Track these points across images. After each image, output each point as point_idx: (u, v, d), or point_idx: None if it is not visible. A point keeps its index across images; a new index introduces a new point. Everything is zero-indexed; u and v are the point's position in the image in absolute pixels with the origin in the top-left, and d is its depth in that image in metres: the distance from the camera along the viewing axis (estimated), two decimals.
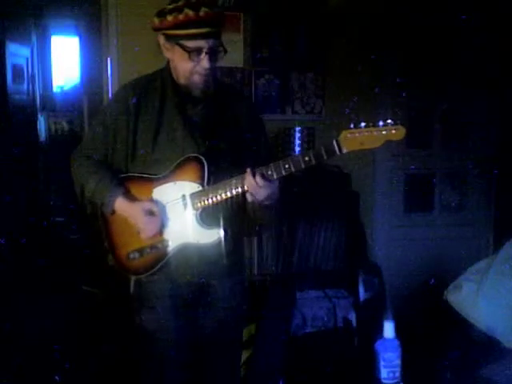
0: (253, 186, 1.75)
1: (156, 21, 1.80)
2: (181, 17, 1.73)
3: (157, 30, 1.82)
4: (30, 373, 2.82)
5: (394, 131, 1.69)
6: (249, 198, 1.80)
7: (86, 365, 2.94)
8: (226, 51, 1.83)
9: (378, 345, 1.61)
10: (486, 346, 2.10)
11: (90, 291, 3.99)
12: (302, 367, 2.55)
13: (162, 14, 1.78)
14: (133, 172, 1.91)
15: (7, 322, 3.02)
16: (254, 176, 1.74)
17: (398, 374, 1.60)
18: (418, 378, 1.71)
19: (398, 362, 1.60)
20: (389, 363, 1.59)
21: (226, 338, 2.02)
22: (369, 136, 1.69)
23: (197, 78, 1.82)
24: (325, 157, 1.74)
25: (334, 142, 1.71)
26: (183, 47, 1.77)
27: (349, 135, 1.69)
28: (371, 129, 1.69)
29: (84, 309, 3.63)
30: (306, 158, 1.74)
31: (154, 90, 1.90)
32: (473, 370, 1.94)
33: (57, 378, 2.71)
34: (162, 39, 1.83)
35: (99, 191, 1.90)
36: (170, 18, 1.75)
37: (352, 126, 1.70)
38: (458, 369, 1.91)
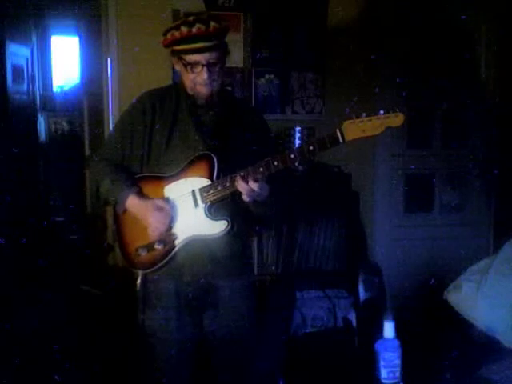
0: (246, 189, 1.83)
1: (162, 38, 1.94)
2: (177, 34, 1.89)
3: (163, 46, 1.96)
4: (29, 373, 2.82)
5: (393, 118, 1.76)
6: (245, 198, 1.88)
7: (85, 365, 2.94)
8: (224, 63, 1.95)
9: (378, 345, 1.61)
10: (485, 346, 2.10)
11: (89, 291, 4.00)
12: (302, 367, 2.55)
13: (165, 31, 1.93)
14: (147, 172, 2.01)
15: (7, 321, 3.02)
16: (246, 182, 1.83)
17: (398, 374, 1.60)
18: (418, 378, 1.71)
19: (397, 362, 1.60)
20: (389, 363, 1.59)
21: (232, 337, 2.04)
22: (370, 124, 1.76)
23: (199, 88, 1.94)
24: (328, 145, 1.80)
25: (337, 131, 1.78)
26: (182, 61, 1.91)
27: (351, 124, 1.77)
28: (372, 117, 1.76)
29: (83, 308, 3.63)
30: (311, 148, 1.81)
31: (170, 98, 2.02)
32: (473, 370, 1.94)
33: (57, 377, 2.71)
34: (169, 54, 1.96)
35: (113, 190, 1.98)
36: (169, 35, 1.91)
37: (354, 116, 1.78)
38: (458, 369, 1.91)
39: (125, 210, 1.98)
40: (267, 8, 3.59)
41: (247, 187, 1.84)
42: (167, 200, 1.95)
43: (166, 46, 1.94)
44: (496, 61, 3.90)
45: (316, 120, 3.66)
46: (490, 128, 3.94)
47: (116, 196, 1.97)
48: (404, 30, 3.71)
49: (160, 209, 1.92)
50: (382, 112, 1.76)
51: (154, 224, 1.92)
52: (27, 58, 5.36)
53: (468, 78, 3.92)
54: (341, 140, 1.78)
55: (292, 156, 1.83)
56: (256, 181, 1.83)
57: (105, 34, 3.53)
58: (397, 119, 1.76)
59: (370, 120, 1.76)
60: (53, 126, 6.26)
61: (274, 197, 1.93)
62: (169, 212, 1.92)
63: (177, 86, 2.05)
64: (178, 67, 1.96)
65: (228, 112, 2.02)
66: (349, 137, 1.78)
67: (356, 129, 1.77)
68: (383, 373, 1.60)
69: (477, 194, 4.04)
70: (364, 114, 1.77)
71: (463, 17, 3.73)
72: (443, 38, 3.76)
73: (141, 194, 1.96)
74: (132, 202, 1.95)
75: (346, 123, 1.77)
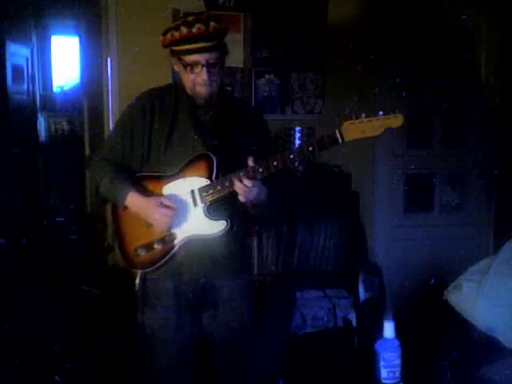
0: (243, 189, 1.84)
1: (161, 38, 1.93)
2: (176, 34, 1.88)
3: (163, 46, 1.95)
4: (29, 373, 2.82)
5: (393, 119, 1.77)
6: (241, 198, 1.88)
7: (85, 365, 2.94)
8: (224, 63, 1.95)
9: (378, 345, 1.61)
10: (485, 346, 2.11)
11: (90, 291, 3.99)
12: (302, 367, 2.56)
13: (164, 32, 1.92)
14: (147, 172, 2.00)
15: (7, 321, 3.02)
16: (241, 181, 1.83)
17: (397, 374, 1.60)
18: (418, 378, 1.71)
19: (397, 362, 1.60)
20: (389, 363, 1.59)
21: (232, 337, 2.04)
22: (369, 124, 1.77)
23: (199, 89, 1.93)
24: (328, 146, 1.81)
25: (337, 131, 1.78)
26: (182, 61, 1.90)
27: (350, 125, 1.78)
28: (371, 118, 1.77)
29: (83, 308, 3.63)
30: (310, 148, 1.82)
31: (169, 98, 2.02)
32: (473, 370, 1.94)
33: (57, 377, 2.71)
34: (169, 54, 1.96)
35: (113, 189, 1.97)
36: (168, 35, 1.90)
37: (353, 117, 1.78)
38: (458, 369, 1.91)
39: (124, 210, 1.97)
40: (267, 8, 3.59)
41: (242, 187, 1.83)
42: (170, 197, 1.94)
43: (166, 46, 1.93)
44: (496, 61, 3.90)
45: (316, 120, 3.66)
46: (490, 128, 3.94)
47: (116, 195, 1.97)
48: (404, 30, 3.71)
49: (166, 205, 1.90)
50: (381, 113, 1.77)
51: (160, 219, 1.90)
52: (27, 58, 5.36)
53: (468, 78, 3.92)
54: (340, 141, 1.79)
55: (291, 156, 1.83)
56: (252, 180, 1.83)
57: (105, 34, 3.53)
58: (396, 120, 1.77)
59: (370, 121, 1.77)
60: (53, 126, 6.26)
61: (272, 199, 1.93)
62: (175, 208, 1.90)
63: (176, 86, 2.04)
64: (177, 67, 1.95)
65: (227, 112, 2.01)
66: (348, 137, 1.78)
67: (355, 129, 1.77)
68: (383, 373, 1.60)
69: (477, 194, 4.04)
70: (364, 115, 1.77)
71: (463, 17, 3.73)
72: (443, 38, 3.76)
73: (141, 192, 1.95)
74: (132, 199, 1.94)
75: (346, 124, 1.78)
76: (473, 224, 4.05)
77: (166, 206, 1.90)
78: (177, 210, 1.91)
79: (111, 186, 1.97)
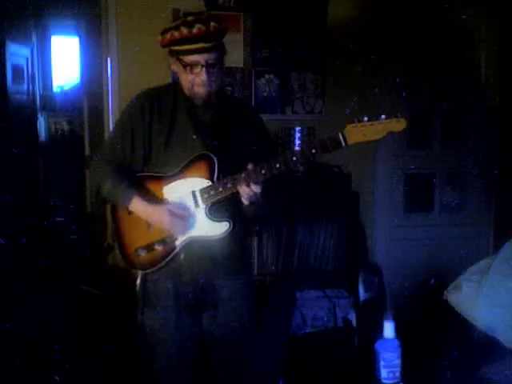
0: (247, 192, 1.84)
1: (159, 38, 1.93)
2: (176, 34, 1.87)
3: (161, 46, 1.94)
4: (29, 373, 2.82)
5: (395, 123, 1.77)
6: (245, 201, 1.88)
7: (85, 365, 2.94)
8: (223, 64, 1.94)
9: (378, 345, 1.61)
10: (485, 346, 2.11)
11: (90, 291, 3.99)
12: (302, 367, 2.56)
13: (163, 31, 1.91)
14: (147, 172, 2.00)
15: (7, 321, 3.02)
16: (248, 186, 1.83)
17: (397, 374, 1.60)
18: (418, 378, 1.71)
19: (397, 362, 1.60)
20: (389, 363, 1.59)
21: (232, 337, 2.04)
22: (371, 128, 1.77)
23: (197, 89, 1.93)
24: (330, 149, 1.81)
25: (340, 135, 1.78)
26: (181, 62, 1.89)
27: (353, 128, 1.78)
28: (373, 122, 1.77)
29: (83, 308, 3.63)
30: (313, 151, 1.81)
31: (168, 98, 2.01)
32: (473, 370, 1.94)
33: (57, 377, 2.71)
34: (167, 54, 1.95)
35: (115, 192, 1.96)
36: (168, 35, 1.89)
37: (356, 120, 1.78)
38: (458, 369, 1.91)
39: (124, 211, 1.97)
40: (267, 8, 3.59)
41: (248, 191, 1.83)
42: (178, 204, 1.93)
43: (165, 45, 1.92)
44: (496, 61, 3.90)
45: (316, 120, 3.66)
46: (490, 128, 3.94)
47: (119, 200, 1.96)
48: (404, 30, 3.72)
49: (173, 212, 1.90)
50: (383, 117, 1.77)
51: (168, 226, 1.91)
52: (27, 58, 5.36)
53: (468, 78, 3.92)
54: (343, 144, 1.79)
55: (294, 158, 1.83)
56: (257, 184, 1.83)
57: (105, 34, 3.53)
58: (398, 124, 1.77)
59: (372, 124, 1.77)
60: (53, 126, 6.26)
61: (268, 197, 1.92)
62: (183, 214, 1.90)
63: (175, 86, 2.03)
64: (176, 67, 1.94)
65: (227, 112, 2.01)
66: (351, 141, 1.78)
67: (358, 133, 1.77)
68: (383, 373, 1.60)
69: (477, 194, 4.04)
70: (366, 118, 1.77)
71: (463, 17, 3.73)
72: (443, 38, 3.76)
73: (143, 196, 1.93)
74: (137, 205, 1.93)
75: (349, 127, 1.78)
76: (473, 224, 4.05)
77: (174, 214, 1.90)
78: (185, 216, 1.90)
79: (113, 190, 1.96)
